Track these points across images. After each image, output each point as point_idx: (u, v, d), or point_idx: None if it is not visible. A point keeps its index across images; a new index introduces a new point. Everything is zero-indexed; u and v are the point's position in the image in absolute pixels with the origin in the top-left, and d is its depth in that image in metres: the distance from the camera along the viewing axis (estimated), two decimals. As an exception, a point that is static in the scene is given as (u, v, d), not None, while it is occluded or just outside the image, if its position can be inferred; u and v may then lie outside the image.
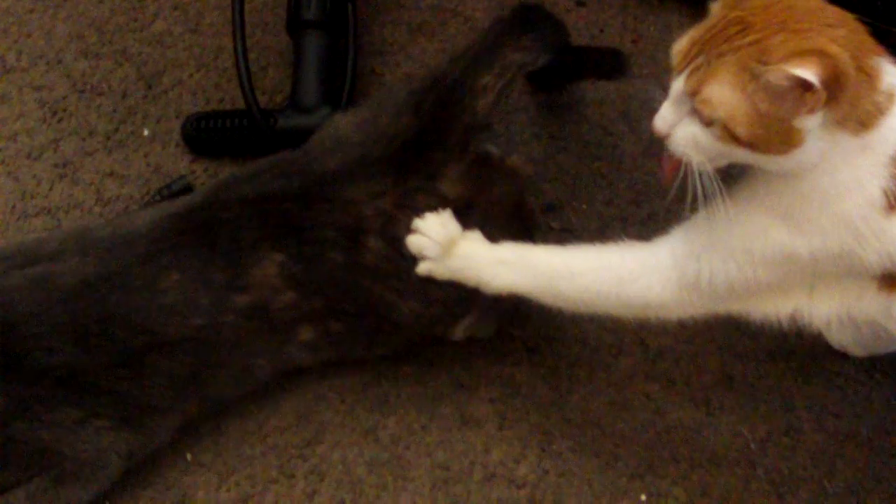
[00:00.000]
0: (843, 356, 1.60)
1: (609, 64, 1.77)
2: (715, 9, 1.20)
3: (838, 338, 1.58)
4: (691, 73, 1.17)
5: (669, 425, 1.57)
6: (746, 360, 1.60)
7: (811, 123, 1.13)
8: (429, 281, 1.41)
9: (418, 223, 1.40)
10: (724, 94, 1.14)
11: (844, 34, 1.13)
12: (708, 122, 1.16)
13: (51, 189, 1.74)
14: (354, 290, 1.42)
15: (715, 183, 1.20)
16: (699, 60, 1.16)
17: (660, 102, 1.22)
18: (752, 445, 1.55)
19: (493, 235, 1.41)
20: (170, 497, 1.51)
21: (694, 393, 1.59)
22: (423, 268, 1.40)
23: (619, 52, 1.81)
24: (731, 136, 1.15)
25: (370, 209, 1.39)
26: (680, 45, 1.19)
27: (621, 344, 1.63)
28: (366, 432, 1.55)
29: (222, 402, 1.52)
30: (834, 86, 1.10)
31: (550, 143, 1.78)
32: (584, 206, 1.72)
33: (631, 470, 1.54)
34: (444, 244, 1.39)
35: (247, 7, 1.74)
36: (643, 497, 1.52)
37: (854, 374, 1.60)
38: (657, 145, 1.34)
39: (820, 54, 1.09)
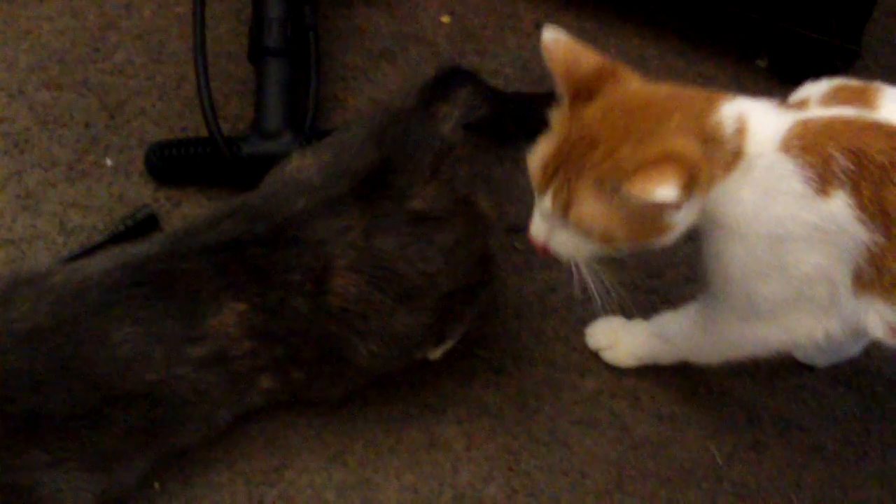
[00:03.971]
0: (807, 368, 1.62)
1: None
2: (555, 119, 1.26)
3: (804, 349, 1.60)
4: (555, 194, 1.23)
5: (636, 442, 1.58)
6: (711, 375, 1.61)
7: (681, 215, 1.21)
8: (391, 318, 1.41)
9: (589, 328, 1.65)
10: (592, 211, 1.21)
11: (680, 119, 1.19)
12: (585, 235, 1.24)
13: (14, 221, 1.74)
14: (317, 336, 1.41)
15: (600, 275, 1.31)
16: (558, 181, 1.22)
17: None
18: (719, 460, 1.56)
19: (461, 262, 1.44)
20: (138, 526, 1.50)
21: (660, 409, 1.60)
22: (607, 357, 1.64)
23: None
24: (610, 241, 1.23)
25: (338, 247, 1.38)
26: (535, 164, 1.26)
27: (587, 363, 1.64)
28: (333, 456, 1.55)
29: (186, 448, 1.50)
30: (691, 180, 1.16)
31: (512, 165, 1.79)
32: (548, 226, 1.73)
33: (599, 487, 1.54)
34: (615, 343, 1.63)
35: (209, 36, 1.74)
36: (612, 514, 1.53)
37: (818, 387, 1.62)
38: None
39: (671, 159, 1.15)
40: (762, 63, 1.93)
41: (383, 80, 1.90)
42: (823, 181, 1.18)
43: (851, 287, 1.25)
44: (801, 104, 1.26)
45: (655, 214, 1.20)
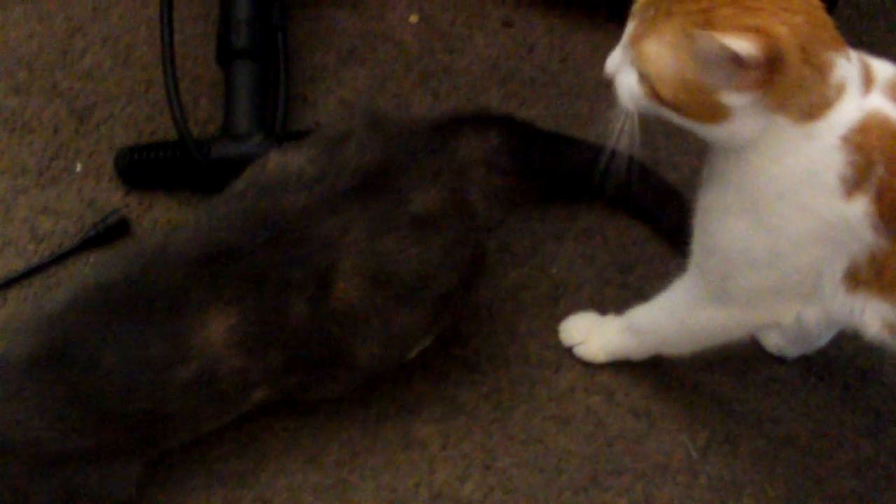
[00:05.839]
0: (779, 361, 1.63)
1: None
2: None
3: (775, 341, 1.61)
4: (640, 22, 1.17)
5: (611, 437, 1.58)
6: (684, 370, 1.62)
7: (739, 101, 1.13)
8: (390, 319, 1.41)
9: (562, 325, 1.65)
10: (658, 51, 1.15)
11: (801, 21, 1.12)
12: (641, 76, 1.17)
13: (-16, 228, 1.73)
14: (316, 340, 1.40)
15: (635, 137, 1.23)
16: (650, 12, 1.16)
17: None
18: (694, 453, 1.57)
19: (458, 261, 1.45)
20: (114, 532, 1.50)
21: (634, 404, 1.60)
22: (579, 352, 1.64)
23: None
24: (656, 95, 1.17)
25: (342, 248, 1.37)
26: None
27: (561, 359, 1.64)
28: (310, 458, 1.55)
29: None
30: (770, 69, 1.10)
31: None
32: (518, 225, 1.74)
33: (575, 483, 1.55)
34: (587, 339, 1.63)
35: (177, 39, 1.74)
36: (588, 509, 1.54)
37: (790, 379, 1.62)
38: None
39: (762, 33, 1.09)
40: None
41: (352, 80, 1.90)
42: (855, 185, 1.16)
43: (843, 283, 1.24)
44: (868, 76, 1.19)
45: (714, 84, 1.13)
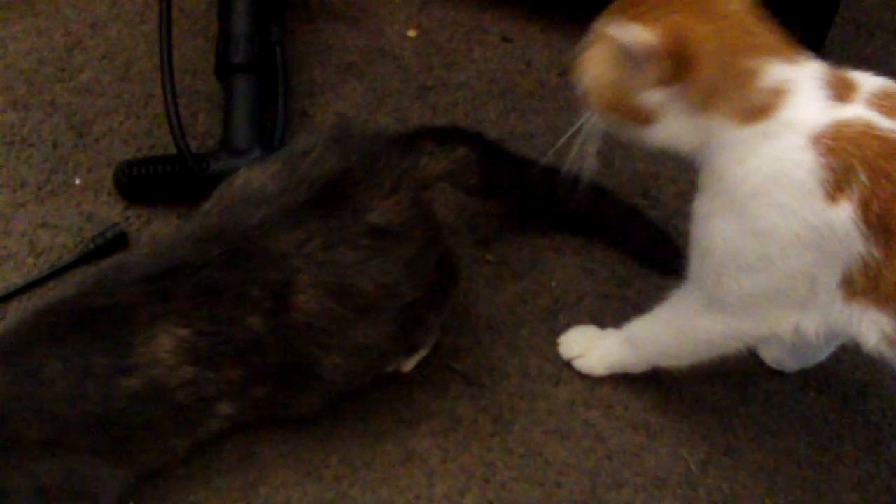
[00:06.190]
0: (778, 374, 1.63)
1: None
2: None
3: (774, 354, 1.61)
4: (599, 23, 1.23)
5: (611, 451, 1.58)
6: (683, 383, 1.62)
7: (655, 99, 1.17)
8: (353, 330, 1.40)
9: (561, 338, 1.64)
10: (594, 58, 1.20)
11: (727, 27, 1.17)
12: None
13: (-17, 242, 1.73)
14: (278, 351, 1.40)
15: (592, 149, 1.28)
16: (602, 23, 1.21)
17: None
18: (693, 467, 1.57)
19: (420, 272, 1.44)
20: (113, 547, 1.49)
21: (633, 417, 1.60)
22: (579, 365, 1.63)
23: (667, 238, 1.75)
24: (588, 92, 1.23)
25: (300, 260, 1.37)
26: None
27: (560, 373, 1.64)
28: (309, 472, 1.55)
29: (154, 469, 1.50)
30: (678, 66, 1.14)
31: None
32: (518, 238, 1.74)
33: (575, 497, 1.54)
34: (587, 352, 1.62)
35: (175, 53, 1.74)
36: (588, 523, 1.53)
37: (790, 392, 1.62)
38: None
39: (670, 31, 1.13)
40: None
41: (351, 94, 1.90)
42: (836, 188, 1.17)
43: (840, 292, 1.25)
44: (848, 87, 1.22)
45: (631, 83, 1.17)
